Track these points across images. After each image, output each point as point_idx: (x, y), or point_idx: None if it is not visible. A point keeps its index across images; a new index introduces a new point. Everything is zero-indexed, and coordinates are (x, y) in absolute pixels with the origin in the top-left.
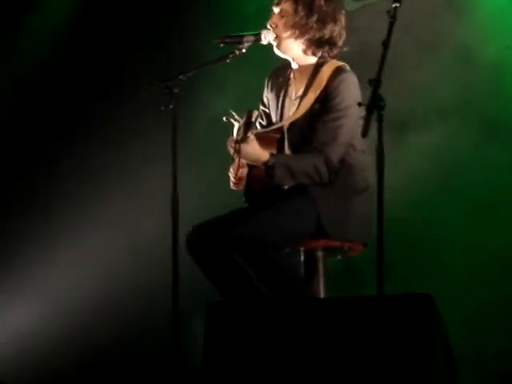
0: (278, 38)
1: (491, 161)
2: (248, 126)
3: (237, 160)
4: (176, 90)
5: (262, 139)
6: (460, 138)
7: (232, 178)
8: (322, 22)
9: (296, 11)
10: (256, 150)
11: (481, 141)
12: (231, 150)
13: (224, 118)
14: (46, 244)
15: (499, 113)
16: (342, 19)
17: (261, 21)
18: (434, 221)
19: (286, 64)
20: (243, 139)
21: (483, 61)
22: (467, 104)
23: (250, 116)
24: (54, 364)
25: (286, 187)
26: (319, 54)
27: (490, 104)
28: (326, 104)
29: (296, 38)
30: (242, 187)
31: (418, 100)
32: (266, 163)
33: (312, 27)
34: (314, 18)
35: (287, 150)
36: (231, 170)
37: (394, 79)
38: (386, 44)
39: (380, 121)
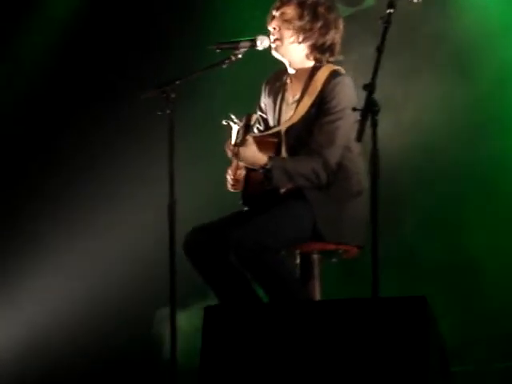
0: (279, 40)
1: None
2: (247, 129)
3: (235, 162)
4: (173, 95)
5: (260, 143)
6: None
7: (230, 180)
8: (326, 29)
9: (301, 16)
10: (254, 153)
11: None
12: (229, 153)
13: (224, 122)
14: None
15: None
16: (342, 28)
17: (256, 27)
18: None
19: (282, 70)
20: (242, 142)
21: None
22: None
23: (249, 119)
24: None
25: (283, 190)
26: (319, 59)
27: None
28: (322, 107)
29: (300, 42)
30: (239, 189)
31: None
32: (263, 166)
33: (316, 33)
34: (319, 24)
35: (284, 154)
36: (229, 171)
37: None
38: (380, 49)
39: (374, 125)
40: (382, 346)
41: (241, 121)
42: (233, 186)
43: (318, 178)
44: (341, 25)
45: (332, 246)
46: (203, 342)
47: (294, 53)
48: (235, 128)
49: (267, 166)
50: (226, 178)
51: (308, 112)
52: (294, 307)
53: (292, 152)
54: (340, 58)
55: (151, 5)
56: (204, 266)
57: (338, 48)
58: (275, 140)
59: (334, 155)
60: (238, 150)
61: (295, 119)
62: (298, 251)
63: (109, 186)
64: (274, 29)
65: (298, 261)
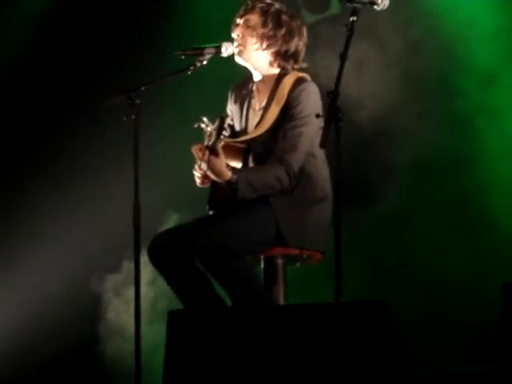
0: (242, 46)
1: None
2: (220, 131)
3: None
4: (138, 101)
5: (230, 148)
6: None
7: (198, 175)
8: (290, 36)
9: (265, 23)
10: (221, 167)
11: None
12: (200, 156)
13: (195, 125)
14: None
15: None
16: (305, 36)
17: (223, 33)
18: None
19: (248, 77)
20: (214, 145)
21: None
22: None
23: (223, 121)
24: None
25: None
26: (283, 67)
27: None
28: (287, 113)
29: (263, 49)
30: (207, 184)
31: None
32: (228, 181)
33: (279, 40)
34: (282, 32)
35: (251, 161)
36: (196, 167)
37: None
38: (343, 57)
39: (338, 132)
40: (344, 350)
41: (213, 123)
42: (201, 181)
43: (281, 184)
44: (305, 32)
45: (295, 251)
46: (167, 346)
47: (258, 59)
48: (207, 130)
49: (232, 180)
50: (193, 175)
51: (277, 120)
52: (258, 312)
53: (258, 159)
54: (304, 65)
55: (117, 11)
56: (169, 270)
57: (302, 55)
58: (244, 146)
59: (296, 160)
60: (209, 158)
61: (264, 128)
62: (262, 256)
63: (72, 190)
64: (238, 36)
65: (262, 266)
